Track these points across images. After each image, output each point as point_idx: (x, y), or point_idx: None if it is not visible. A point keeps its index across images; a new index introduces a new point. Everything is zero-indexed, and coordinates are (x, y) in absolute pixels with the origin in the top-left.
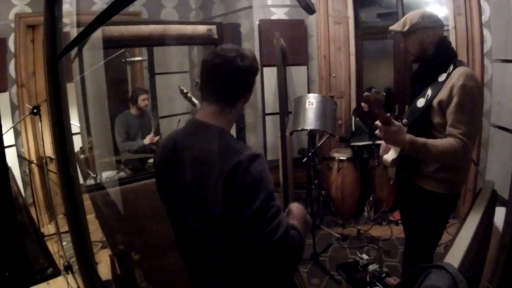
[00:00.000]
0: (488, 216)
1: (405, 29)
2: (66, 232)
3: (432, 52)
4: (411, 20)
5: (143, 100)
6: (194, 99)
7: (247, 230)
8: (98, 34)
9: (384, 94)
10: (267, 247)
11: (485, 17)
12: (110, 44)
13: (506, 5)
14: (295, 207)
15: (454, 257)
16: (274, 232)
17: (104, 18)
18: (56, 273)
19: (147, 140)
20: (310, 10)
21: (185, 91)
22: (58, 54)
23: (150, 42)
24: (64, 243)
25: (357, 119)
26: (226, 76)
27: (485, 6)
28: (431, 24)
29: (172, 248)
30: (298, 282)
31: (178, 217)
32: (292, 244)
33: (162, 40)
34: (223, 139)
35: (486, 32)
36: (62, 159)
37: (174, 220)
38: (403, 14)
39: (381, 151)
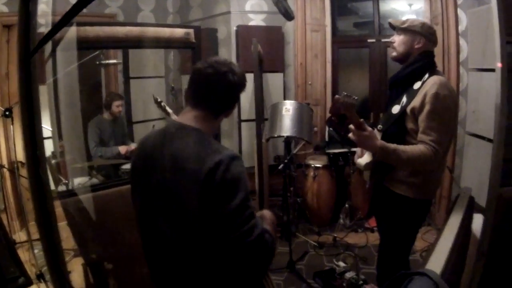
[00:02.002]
0: (466, 223)
1: (403, 26)
2: (37, 239)
3: (413, 58)
4: (412, 22)
5: (117, 106)
6: (168, 108)
7: (224, 228)
8: (72, 35)
9: (356, 98)
10: (243, 245)
11: (461, 27)
12: (85, 45)
13: (483, 15)
14: (267, 213)
15: (436, 264)
16: (250, 232)
17: (77, 8)
18: (28, 283)
19: (123, 149)
20: (289, 16)
21: (159, 100)
22: (31, 50)
23: (127, 44)
24: (35, 251)
25: (330, 129)
26: (215, 87)
27: (462, 16)
28: (426, 35)
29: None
30: (267, 284)
31: (150, 218)
32: (265, 246)
33: (138, 42)
34: (204, 139)
35: (462, 42)
36: (33, 163)
37: (145, 223)
38: (380, 24)
39: (355, 155)
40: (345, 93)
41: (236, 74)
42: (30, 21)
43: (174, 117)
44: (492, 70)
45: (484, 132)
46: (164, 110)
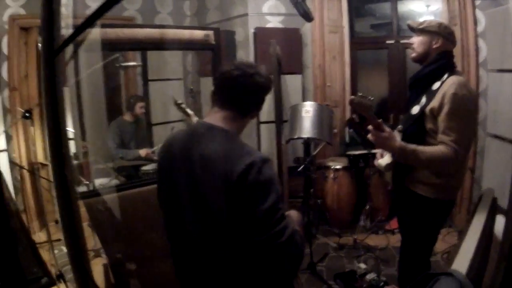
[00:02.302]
0: (490, 224)
1: (420, 26)
2: (57, 240)
3: (433, 58)
4: (429, 22)
5: (140, 107)
6: (188, 110)
7: (256, 228)
8: (94, 36)
9: (372, 98)
10: (274, 246)
11: (480, 28)
12: (106, 47)
13: (502, 15)
14: (294, 213)
15: (461, 264)
16: (281, 233)
17: (105, 8)
18: (51, 283)
19: (143, 152)
20: (308, 17)
21: (179, 101)
22: (55, 49)
23: (147, 46)
24: (55, 251)
25: (351, 130)
26: (243, 89)
27: (480, 17)
28: (444, 34)
29: (168, 256)
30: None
31: (177, 219)
32: (296, 246)
33: (158, 44)
34: (233, 140)
35: (481, 43)
36: (58, 161)
37: (172, 224)
38: (398, 25)
39: (377, 156)
40: (360, 94)
41: (263, 76)
42: (53, 19)
43: (195, 118)
44: (509, 71)
45: (505, 133)
46: (184, 111)
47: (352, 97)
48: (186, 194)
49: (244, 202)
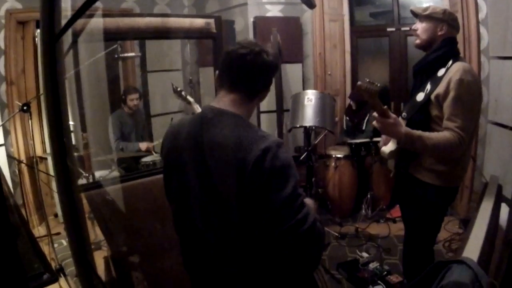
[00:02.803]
0: (496, 211)
1: (425, 13)
2: (56, 234)
3: (437, 45)
4: (434, 9)
5: (131, 100)
6: (189, 97)
7: (277, 217)
8: (93, 26)
9: (379, 85)
10: (298, 234)
11: (481, 15)
12: (105, 37)
13: (503, 2)
14: (309, 201)
15: (472, 252)
16: (304, 220)
17: None
18: (53, 279)
19: (143, 146)
20: (311, 4)
21: (179, 89)
22: (56, 34)
23: (147, 35)
24: (55, 245)
25: (347, 118)
26: (250, 67)
27: (482, 4)
28: (449, 21)
29: (170, 249)
30: (319, 278)
31: (188, 212)
32: (318, 235)
33: (159, 33)
34: (245, 126)
35: (482, 30)
36: (59, 151)
37: (182, 217)
38: (399, 13)
39: (380, 143)
40: (368, 80)
41: (270, 54)
42: (54, 3)
43: (196, 106)
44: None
45: (507, 121)
46: (184, 99)
47: (360, 83)
48: (197, 186)
49: (261, 190)
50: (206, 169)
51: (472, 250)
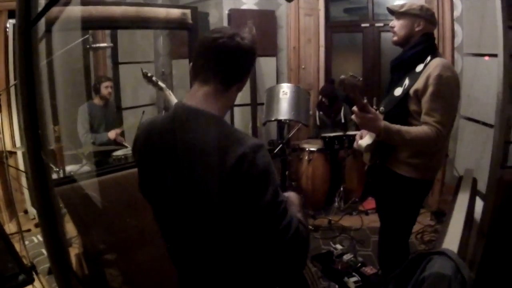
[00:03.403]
0: (472, 204)
1: (401, 10)
2: (27, 230)
3: (415, 41)
4: (410, 5)
5: (105, 87)
6: (160, 83)
7: (259, 227)
8: (68, 14)
9: (361, 79)
10: (282, 243)
11: (457, 12)
12: (78, 25)
13: (479, 0)
14: (294, 196)
15: (451, 244)
16: (288, 228)
17: None
18: (29, 280)
19: (112, 134)
20: None
21: (149, 74)
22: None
23: (121, 24)
24: (26, 242)
25: (321, 112)
26: (225, 53)
27: (457, 1)
28: (426, 17)
29: (145, 244)
30: (309, 277)
31: (170, 221)
32: (303, 240)
33: (134, 23)
34: (220, 128)
35: (457, 27)
36: (34, 146)
37: (164, 224)
38: (373, 9)
39: (357, 137)
40: (351, 73)
41: (245, 38)
42: None
43: (167, 91)
44: (485, 55)
45: (479, 116)
46: (156, 85)
47: (343, 77)
48: (175, 192)
49: (241, 199)
50: (182, 176)
51: (451, 242)
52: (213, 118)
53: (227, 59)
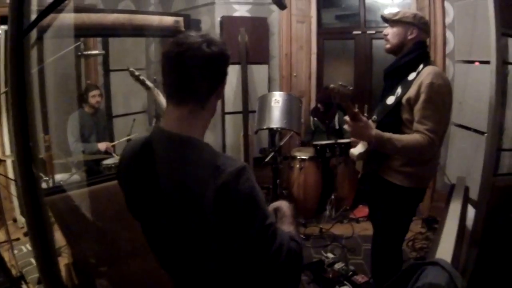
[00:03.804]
0: (464, 212)
1: (395, 18)
2: (16, 239)
3: (408, 49)
4: (404, 13)
5: (93, 96)
6: (148, 82)
7: (249, 254)
8: (60, 22)
9: (351, 88)
10: (273, 269)
11: (448, 19)
12: (70, 33)
13: (470, 7)
14: (285, 205)
15: (444, 253)
16: (278, 253)
17: None
18: None
19: (102, 146)
20: (282, 5)
21: (136, 73)
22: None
23: (114, 32)
24: (15, 251)
25: (315, 119)
26: (191, 67)
27: (449, 8)
28: (419, 25)
29: (135, 255)
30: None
31: (158, 241)
32: (296, 259)
33: (126, 30)
34: (199, 152)
35: (448, 34)
36: (24, 156)
37: (154, 242)
38: (365, 16)
39: (352, 145)
40: (341, 83)
41: (213, 44)
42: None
43: (156, 91)
44: (474, 62)
45: (470, 123)
46: (143, 83)
47: (332, 85)
48: (162, 224)
49: (227, 229)
50: (166, 210)
51: (445, 251)
52: (190, 143)
53: (198, 74)
